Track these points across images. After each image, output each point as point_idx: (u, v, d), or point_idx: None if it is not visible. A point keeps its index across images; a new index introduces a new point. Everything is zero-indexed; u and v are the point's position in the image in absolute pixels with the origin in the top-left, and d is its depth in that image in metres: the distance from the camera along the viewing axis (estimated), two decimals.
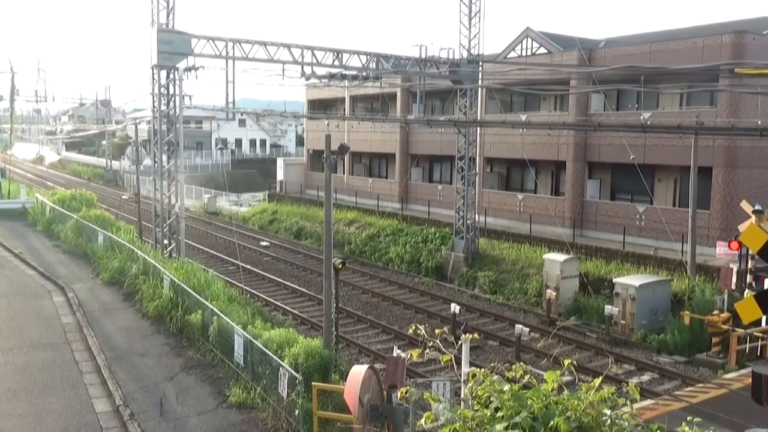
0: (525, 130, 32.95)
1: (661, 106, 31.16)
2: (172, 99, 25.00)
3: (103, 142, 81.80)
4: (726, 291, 20.63)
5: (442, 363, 7.22)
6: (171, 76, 24.65)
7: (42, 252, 31.09)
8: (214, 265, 30.77)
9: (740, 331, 18.64)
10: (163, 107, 24.94)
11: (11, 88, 61.31)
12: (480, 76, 31.96)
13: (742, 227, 18.41)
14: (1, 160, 59.51)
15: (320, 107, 54.98)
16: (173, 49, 23.80)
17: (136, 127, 36.49)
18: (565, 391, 6.22)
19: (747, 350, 19.04)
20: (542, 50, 36.20)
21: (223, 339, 16.48)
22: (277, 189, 55.06)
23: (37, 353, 17.90)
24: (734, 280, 20.93)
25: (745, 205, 20.47)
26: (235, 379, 15.44)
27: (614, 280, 23.11)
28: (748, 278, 20.46)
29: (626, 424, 6.02)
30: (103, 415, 14.36)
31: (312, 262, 33.31)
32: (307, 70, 25.97)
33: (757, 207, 19.27)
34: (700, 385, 16.92)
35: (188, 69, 24.42)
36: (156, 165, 25.71)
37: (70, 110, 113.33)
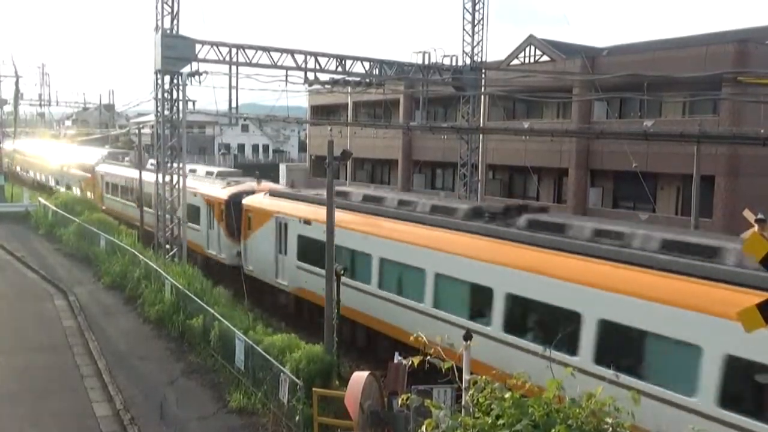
0: (527, 137, 32.98)
1: (663, 114, 31.18)
2: (176, 104, 25.06)
3: (106, 146, 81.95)
4: None
5: (443, 370, 7.19)
6: (175, 81, 24.71)
7: (44, 255, 31.10)
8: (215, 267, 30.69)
9: None
10: (167, 112, 24.99)
11: (15, 92, 61.42)
12: (483, 83, 32.03)
13: (745, 236, 18.37)
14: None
15: (323, 113, 55.11)
16: (177, 54, 23.87)
17: (139, 132, 36.48)
18: (567, 399, 6.21)
19: None
20: (545, 58, 36.28)
21: (224, 344, 16.47)
22: None
23: (38, 356, 17.89)
24: None
25: (748, 214, 20.40)
26: (235, 384, 15.42)
27: None
28: None
29: None
30: (104, 419, 14.35)
31: None
32: (311, 76, 26.06)
33: (760, 216, 19.23)
34: None
35: (192, 74, 24.50)
36: (159, 169, 25.76)
37: (73, 114, 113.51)
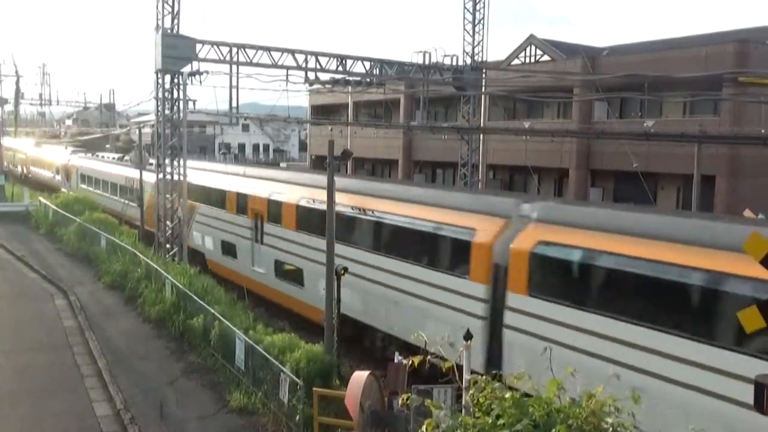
0: (528, 137, 32.94)
1: (664, 114, 31.17)
2: (176, 103, 25.05)
3: (107, 146, 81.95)
4: None
5: (443, 370, 7.18)
6: (175, 80, 24.70)
7: (44, 255, 31.08)
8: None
9: None
10: (167, 111, 24.98)
11: (16, 92, 61.57)
12: (483, 83, 32.02)
13: None
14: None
15: (323, 113, 55.10)
16: (178, 53, 23.85)
17: (139, 131, 36.45)
18: (567, 399, 6.21)
19: None
20: (546, 58, 36.28)
21: (225, 343, 16.46)
22: None
23: (38, 356, 17.88)
24: None
25: (748, 214, 20.43)
26: (235, 383, 15.39)
27: None
28: None
29: None
30: (104, 418, 14.34)
31: None
32: (311, 75, 26.04)
33: (761, 216, 19.23)
34: None
35: (192, 73, 24.48)
36: (159, 169, 25.76)
37: (74, 114, 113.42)
